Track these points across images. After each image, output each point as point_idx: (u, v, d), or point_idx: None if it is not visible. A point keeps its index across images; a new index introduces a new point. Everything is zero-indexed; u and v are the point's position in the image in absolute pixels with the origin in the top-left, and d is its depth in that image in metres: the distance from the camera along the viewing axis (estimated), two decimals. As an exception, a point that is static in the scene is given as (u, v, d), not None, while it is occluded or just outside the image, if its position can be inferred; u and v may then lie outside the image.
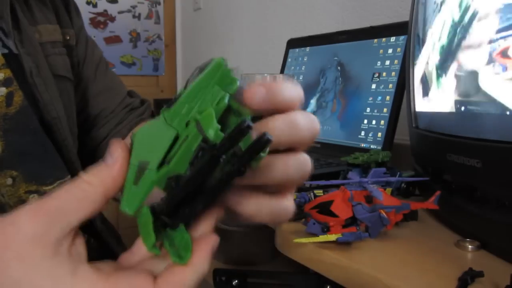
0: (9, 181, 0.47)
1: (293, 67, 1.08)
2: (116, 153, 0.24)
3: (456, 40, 0.51)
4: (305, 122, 0.27)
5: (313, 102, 0.99)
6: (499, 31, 0.43)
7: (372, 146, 0.82)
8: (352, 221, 0.47)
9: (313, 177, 0.70)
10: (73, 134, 0.59)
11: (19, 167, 0.48)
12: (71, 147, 0.58)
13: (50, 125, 0.54)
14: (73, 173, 0.56)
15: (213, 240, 0.26)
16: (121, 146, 0.24)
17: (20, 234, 0.22)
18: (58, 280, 0.22)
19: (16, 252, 0.22)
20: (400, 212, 0.49)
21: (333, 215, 0.46)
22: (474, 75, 0.47)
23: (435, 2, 0.57)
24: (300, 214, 0.50)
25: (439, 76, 0.56)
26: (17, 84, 0.50)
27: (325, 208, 0.46)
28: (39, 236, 0.22)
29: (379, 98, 0.83)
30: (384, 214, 0.47)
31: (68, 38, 0.62)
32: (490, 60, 0.44)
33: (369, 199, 0.49)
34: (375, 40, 0.88)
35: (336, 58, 0.96)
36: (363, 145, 0.84)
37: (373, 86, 0.85)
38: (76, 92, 0.62)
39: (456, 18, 0.51)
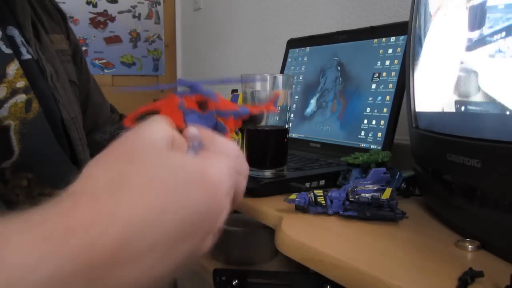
0: (25, 182, 0.49)
1: (293, 67, 1.08)
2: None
3: (456, 40, 0.51)
4: None
5: (313, 102, 0.99)
6: (499, 31, 0.43)
7: (372, 146, 0.82)
8: None
9: (313, 177, 0.71)
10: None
11: (35, 170, 0.49)
12: (86, 146, 0.62)
13: (69, 124, 0.58)
14: None
15: None
16: None
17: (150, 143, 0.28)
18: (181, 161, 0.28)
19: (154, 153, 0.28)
20: (239, 118, 0.43)
21: None
22: (474, 75, 0.47)
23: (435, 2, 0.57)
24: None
25: (438, 76, 0.56)
26: (33, 92, 0.52)
27: None
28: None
29: (379, 98, 0.83)
30: (221, 121, 0.40)
31: (67, 48, 0.66)
32: (490, 60, 0.44)
33: (203, 105, 0.40)
34: (375, 40, 0.88)
35: (336, 58, 0.96)
36: (363, 145, 0.84)
37: (373, 86, 0.85)
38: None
39: (456, 18, 0.51)
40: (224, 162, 0.30)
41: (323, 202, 0.56)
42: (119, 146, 0.28)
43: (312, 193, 0.57)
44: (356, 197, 0.55)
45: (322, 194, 0.57)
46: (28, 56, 0.55)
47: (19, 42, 0.54)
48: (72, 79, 0.63)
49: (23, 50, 0.55)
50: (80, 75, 0.68)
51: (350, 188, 0.56)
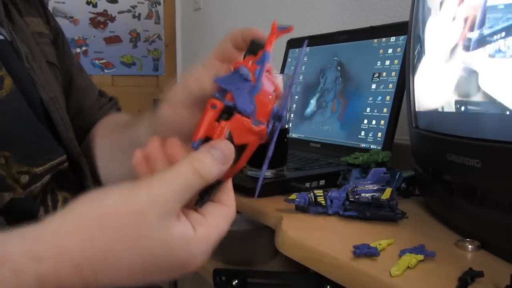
0: (3, 160, 0.49)
1: (293, 67, 1.08)
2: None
3: (455, 40, 0.51)
4: None
5: (313, 102, 0.99)
6: (499, 31, 0.43)
7: (372, 146, 0.82)
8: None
9: (313, 177, 0.71)
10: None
11: (10, 149, 0.49)
12: (69, 126, 0.60)
13: (48, 104, 0.57)
14: (71, 152, 0.58)
15: None
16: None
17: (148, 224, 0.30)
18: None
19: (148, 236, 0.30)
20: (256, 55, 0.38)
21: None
22: (474, 75, 0.47)
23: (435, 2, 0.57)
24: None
25: (438, 76, 0.56)
26: (5, 70, 0.51)
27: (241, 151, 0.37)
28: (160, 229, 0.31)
29: (379, 98, 0.83)
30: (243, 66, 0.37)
31: (47, 32, 0.65)
32: (490, 60, 0.44)
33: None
34: (375, 40, 0.88)
35: (336, 58, 0.96)
36: (363, 145, 0.84)
37: (373, 86, 0.85)
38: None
39: (456, 18, 0.51)
40: (212, 240, 0.33)
41: (323, 202, 0.56)
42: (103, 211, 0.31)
43: (312, 193, 0.57)
44: (356, 197, 0.55)
45: (322, 194, 0.57)
46: (0, 37, 0.54)
47: None
48: (50, 61, 0.62)
49: None
50: (62, 59, 0.67)
51: (350, 188, 0.56)
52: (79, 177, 0.59)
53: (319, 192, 0.57)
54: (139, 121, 0.52)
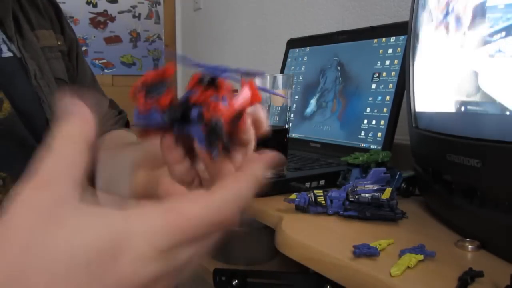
0: (0, 182, 0.48)
1: (293, 67, 1.08)
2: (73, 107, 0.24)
3: (456, 39, 0.51)
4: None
5: (313, 102, 0.99)
6: (499, 31, 0.43)
7: (372, 146, 0.82)
8: None
9: (313, 177, 0.71)
10: None
11: (7, 170, 0.49)
12: None
13: (54, 125, 0.55)
14: None
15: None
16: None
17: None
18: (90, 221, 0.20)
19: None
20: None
21: None
22: (474, 75, 0.47)
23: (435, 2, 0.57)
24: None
25: (438, 76, 0.56)
26: (4, 93, 0.51)
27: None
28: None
29: (379, 98, 0.83)
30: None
31: (59, 43, 0.64)
32: (490, 60, 0.44)
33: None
34: (375, 40, 0.88)
35: (336, 58, 0.96)
36: (363, 145, 0.84)
37: (373, 86, 0.85)
38: None
39: (456, 18, 0.51)
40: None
41: (323, 202, 0.56)
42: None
43: (312, 193, 0.57)
44: (356, 197, 0.55)
45: (322, 194, 0.57)
46: (9, 54, 0.54)
47: (0, 40, 0.53)
48: (59, 77, 0.62)
49: (4, 47, 0.54)
50: (74, 72, 0.67)
51: (350, 188, 0.56)
52: None
53: (319, 192, 0.57)
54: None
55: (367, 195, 0.54)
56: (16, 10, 0.57)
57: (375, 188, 0.55)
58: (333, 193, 0.57)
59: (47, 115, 0.55)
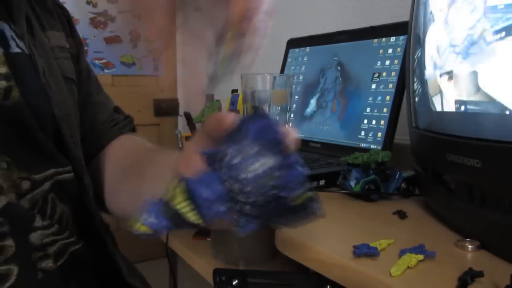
0: (4, 165, 0.49)
1: (293, 67, 1.08)
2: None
3: (455, 39, 0.51)
4: None
5: (313, 102, 0.99)
6: (499, 31, 0.43)
7: (372, 146, 0.82)
8: None
9: (313, 177, 0.71)
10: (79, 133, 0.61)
11: (10, 155, 0.50)
12: (78, 144, 0.60)
13: (60, 121, 0.57)
14: (76, 170, 0.58)
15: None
16: None
17: None
18: None
19: None
20: None
21: None
22: (474, 75, 0.47)
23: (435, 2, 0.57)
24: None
25: (439, 76, 0.56)
26: (14, 81, 0.51)
27: None
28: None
29: (379, 98, 0.83)
30: None
31: (69, 46, 0.65)
32: (490, 60, 0.44)
33: None
34: (375, 40, 0.88)
35: (336, 58, 0.96)
36: (363, 145, 0.84)
37: (373, 86, 0.85)
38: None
39: (456, 18, 0.51)
40: None
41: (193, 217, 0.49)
42: None
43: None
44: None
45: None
46: (18, 50, 0.54)
47: (9, 36, 0.54)
48: (68, 76, 0.62)
49: (12, 43, 0.54)
50: (79, 75, 0.68)
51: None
52: (81, 195, 0.59)
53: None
54: (158, 161, 0.53)
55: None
56: (29, 12, 0.58)
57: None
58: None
59: (54, 111, 0.56)
